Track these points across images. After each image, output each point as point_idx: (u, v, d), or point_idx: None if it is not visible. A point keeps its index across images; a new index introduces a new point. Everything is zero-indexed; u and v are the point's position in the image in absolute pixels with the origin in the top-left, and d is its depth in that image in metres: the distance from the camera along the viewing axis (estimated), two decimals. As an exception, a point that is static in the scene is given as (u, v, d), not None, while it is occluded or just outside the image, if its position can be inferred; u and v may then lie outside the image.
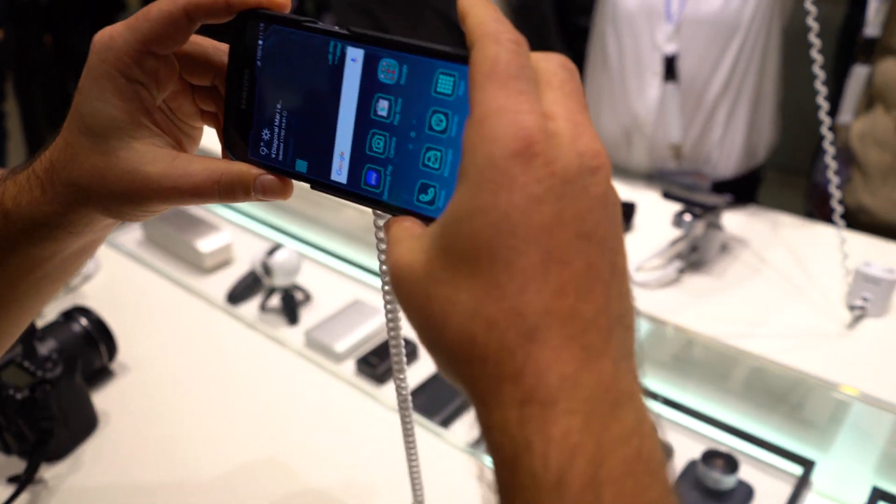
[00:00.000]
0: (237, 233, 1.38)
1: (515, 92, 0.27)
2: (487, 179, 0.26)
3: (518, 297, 0.25)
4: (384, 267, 0.40)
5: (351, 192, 0.37)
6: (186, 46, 0.40)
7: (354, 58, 0.35)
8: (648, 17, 1.38)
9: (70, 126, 0.39)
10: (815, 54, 0.88)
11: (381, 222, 0.40)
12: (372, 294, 1.19)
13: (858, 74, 1.30)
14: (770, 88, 1.45)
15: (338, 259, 1.32)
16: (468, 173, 0.26)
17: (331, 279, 1.25)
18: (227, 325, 1.09)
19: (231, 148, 0.41)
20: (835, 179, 0.88)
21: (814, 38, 0.88)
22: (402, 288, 0.29)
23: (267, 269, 1.12)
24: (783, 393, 0.93)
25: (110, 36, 0.37)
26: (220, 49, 0.42)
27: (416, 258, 0.29)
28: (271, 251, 1.13)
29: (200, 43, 0.41)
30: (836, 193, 0.89)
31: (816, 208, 1.41)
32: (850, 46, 1.62)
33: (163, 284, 1.20)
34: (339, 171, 0.37)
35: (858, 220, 1.31)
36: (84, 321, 0.88)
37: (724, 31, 1.34)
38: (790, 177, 2.31)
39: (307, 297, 1.18)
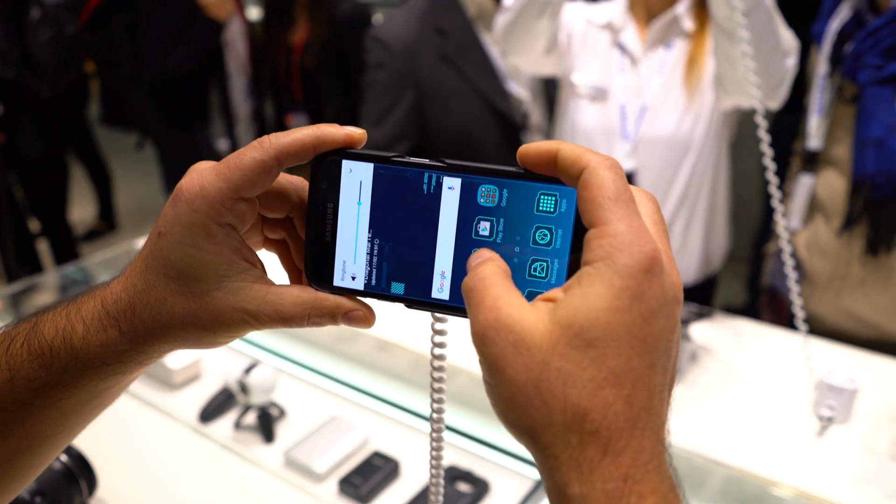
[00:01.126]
0: (205, 345, 1.35)
1: (636, 214, 0.33)
2: (627, 286, 0.31)
3: (631, 390, 0.31)
4: (438, 326, 0.43)
5: (453, 306, 0.39)
6: None
7: (451, 186, 0.38)
8: (606, 136, 1.46)
9: (152, 269, 0.39)
10: (771, 177, 0.95)
11: (439, 317, 0.42)
12: (349, 408, 1.18)
13: (804, 184, 1.38)
14: (722, 201, 1.54)
15: (311, 371, 1.31)
16: (605, 276, 0.32)
17: (305, 393, 1.23)
18: (202, 447, 1.06)
19: (315, 279, 0.41)
20: (798, 301, 0.94)
21: (769, 163, 0.95)
22: (507, 339, 0.32)
23: (244, 388, 1.11)
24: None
25: (200, 185, 0.38)
26: (294, 183, 0.43)
27: (535, 325, 0.32)
28: (248, 369, 1.12)
29: (277, 179, 0.42)
30: (800, 314, 0.95)
31: (770, 310, 1.47)
32: (784, 149, 1.73)
33: (133, 406, 1.16)
34: (441, 289, 0.40)
35: (810, 327, 1.37)
36: (64, 457, 0.85)
37: (678, 149, 1.43)
38: (729, 262, 2.42)
39: (282, 413, 1.16)
